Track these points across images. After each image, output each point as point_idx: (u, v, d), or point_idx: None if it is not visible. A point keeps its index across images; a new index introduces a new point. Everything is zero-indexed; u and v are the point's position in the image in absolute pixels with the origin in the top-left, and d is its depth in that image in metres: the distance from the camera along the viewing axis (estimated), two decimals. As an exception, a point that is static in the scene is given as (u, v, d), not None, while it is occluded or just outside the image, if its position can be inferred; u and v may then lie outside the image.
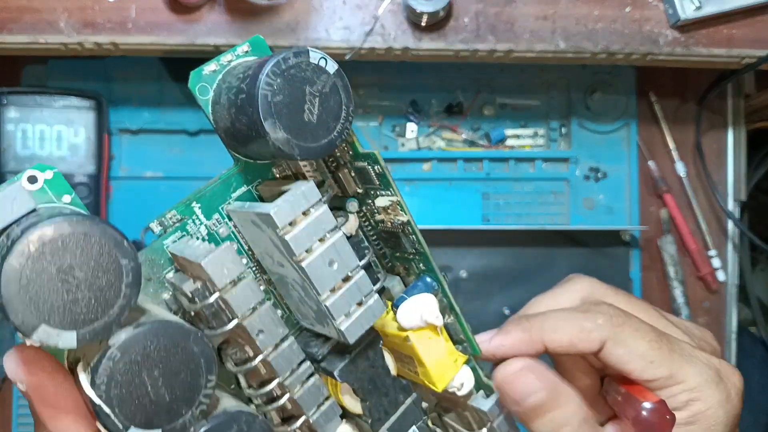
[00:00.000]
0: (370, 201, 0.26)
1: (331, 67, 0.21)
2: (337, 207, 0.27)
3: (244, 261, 0.25)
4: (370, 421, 0.26)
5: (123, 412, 0.18)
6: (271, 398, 0.23)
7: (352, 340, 0.23)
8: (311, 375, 0.23)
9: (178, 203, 0.24)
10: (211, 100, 0.23)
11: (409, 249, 0.27)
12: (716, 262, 0.65)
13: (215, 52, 0.52)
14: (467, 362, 0.28)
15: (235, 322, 0.21)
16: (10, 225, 0.18)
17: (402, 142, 0.65)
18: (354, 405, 0.26)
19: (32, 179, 0.21)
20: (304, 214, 0.21)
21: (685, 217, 0.65)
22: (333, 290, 0.22)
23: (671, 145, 0.66)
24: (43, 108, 0.60)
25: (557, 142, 0.66)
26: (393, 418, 0.26)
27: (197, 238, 0.24)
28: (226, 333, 0.21)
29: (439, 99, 0.66)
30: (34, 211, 0.19)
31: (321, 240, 0.22)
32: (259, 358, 0.22)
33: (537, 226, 0.64)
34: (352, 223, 0.26)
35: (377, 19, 0.52)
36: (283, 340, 0.22)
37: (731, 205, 0.65)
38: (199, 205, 0.24)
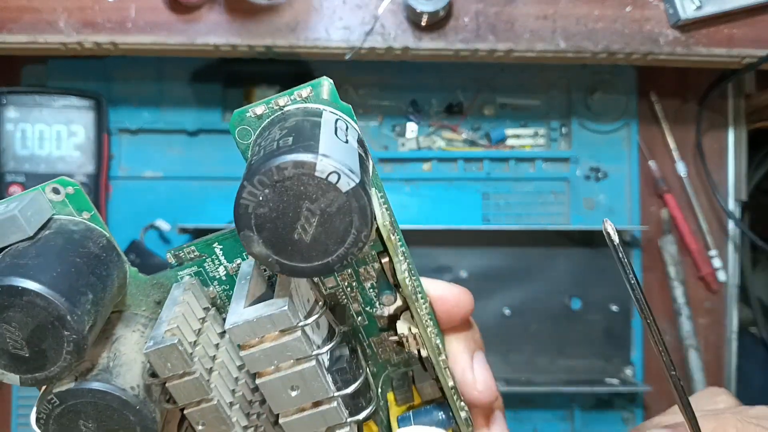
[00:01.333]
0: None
1: (346, 184, 0.17)
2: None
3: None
4: None
5: None
6: None
7: None
8: None
9: (199, 241, 0.23)
10: (252, 145, 0.20)
11: (432, 376, 0.24)
12: (717, 262, 0.65)
13: (215, 51, 0.52)
14: None
15: (174, 406, 0.21)
16: (6, 248, 0.19)
17: (402, 142, 0.65)
18: None
19: (55, 191, 0.21)
20: (281, 332, 0.19)
21: (685, 217, 0.65)
22: (294, 412, 0.21)
23: (672, 144, 0.66)
24: (42, 108, 0.60)
25: (557, 141, 0.66)
26: None
27: (213, 279, 0.24)
28: (166, 411, 0.21)
29: (439, 99, 0.66)
30: (32, 237, 0.20)
31: (293, 362, 0.20)
32: None
33: (537, 226, 0.64)
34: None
35: (377, 19, 0.52)
36: None
37: (732, 205, 0.65)
38: (221, 246, 0.23)
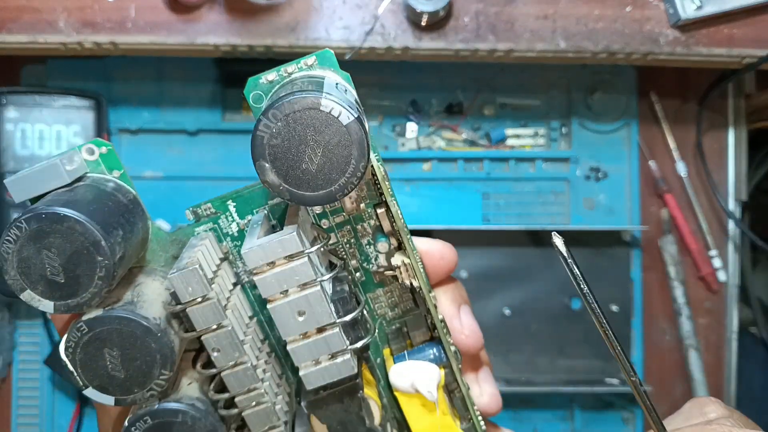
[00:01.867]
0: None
1: (346, 118, 0.20)
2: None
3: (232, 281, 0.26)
4: None
5: (84, 374, 0.21)
6: (226, 406, 0.24)
7: (308, 386, 0.23)
8: (264, 402, 0.24)
9: (215, 197, 0.25)
10: (262, 109, 0.23)
11: (423, 311, 0.26)
12: (717, 262, 0.65)
13: (215, 51, 0.52)
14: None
15: (192, 334, 0.22)
16: (48, 193, 0.21)
17: (402, 142, 0.65)
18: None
19: (90, 151, 0.23)
20: (287, 258, 0.21)
21: (685, 217, 0.65)
22: (301, 337, 0.22)
23: (672, 144, 0.66)
24: (42, 108, 0.60)
25: (558, 141, 0.66)
26: None
27: (226, 234, 0.26)
28: (185, 341, 0.23)
29: (439, 99, 0.66)
30: (70, 185, 0.22)
31: (298, 287, 0.22)
32: (213, 371, 0.23)
33: (537, 226, 0.64)
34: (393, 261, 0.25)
35: (377, 19, 0.52)
36: (238, 363, 0.23)
37: (732, 205, 0.65)
38: (234, 204, 0.25)
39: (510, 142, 0.66)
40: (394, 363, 0.26)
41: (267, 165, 0.20)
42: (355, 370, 0.23)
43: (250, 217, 0.25)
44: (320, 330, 0.22)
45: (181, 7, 0.51)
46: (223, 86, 0.64)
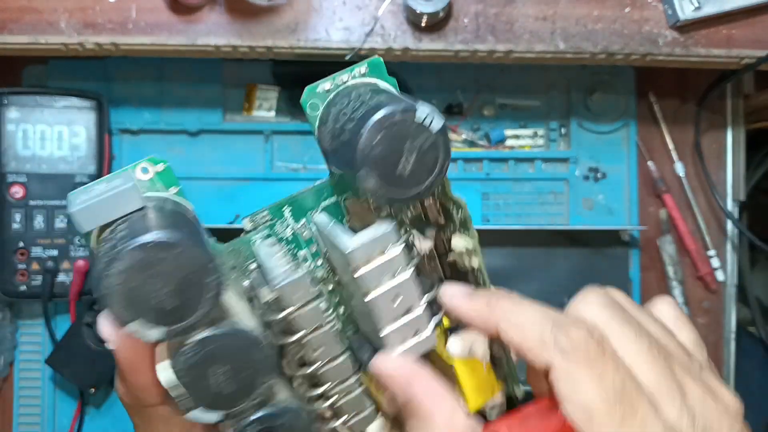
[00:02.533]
0: (444, 236, 0.27)
1: (436, 125, 0.22)
2: (417, 228, 0.28)
3: (319, 263, 0.27)
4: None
5: (193, 394, 0.22)
6: (318, 399, 0.26)
7: None
8: (356, 389, 0.25)
9: (271, 205, 0.27)
10: (319, 117, 0.24)
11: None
12: (715, 262, 0.65)
13: (216, 52, 0.52)
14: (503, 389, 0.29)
15: (298, 336, 0.24)
16: (118, 220, 0.21)
17: (402, 143, 0.65)
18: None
19: (144, 170, 0.24)
20: (381, 252, 0.23)
21: (684, 217, 0.66)
22: (394, 321, 0.24)
23: (670, 145, 0.66)
24: (43, 108, 0.60)
25: (557, 142, 0.66)
26: None
27: (281, 239, 0.27)
28: (289, 344, 0.24)
29: (438, 99, 0.66)
30: (142, 209, 0.22)
31: (390, 275, 0.23)
32: (314, 367, 0.24)
33: (537, 226, 0.64)
34: (426, 246, 0.27)
35: (377, 20, 0.52)
36: (336, 357, 0.24)
37: (730, 205, 0.66)
38: (290, 208, 0.26)
39: (509, 142, 0.66)
40: (448, 332, 0.27)
41: (370, 172, 0.22)
42: (435, 343, 0.24)
43: (303, 220, 0.27)
44: (407, 311, 0.24)
45: (182, 8, 0.51)
46: (223, 87, 0.64)
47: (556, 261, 0.64)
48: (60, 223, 0.60)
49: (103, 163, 0.62)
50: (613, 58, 0.53)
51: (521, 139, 0.66)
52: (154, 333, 0.20)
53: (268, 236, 0.27)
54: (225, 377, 0.22)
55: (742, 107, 0.66)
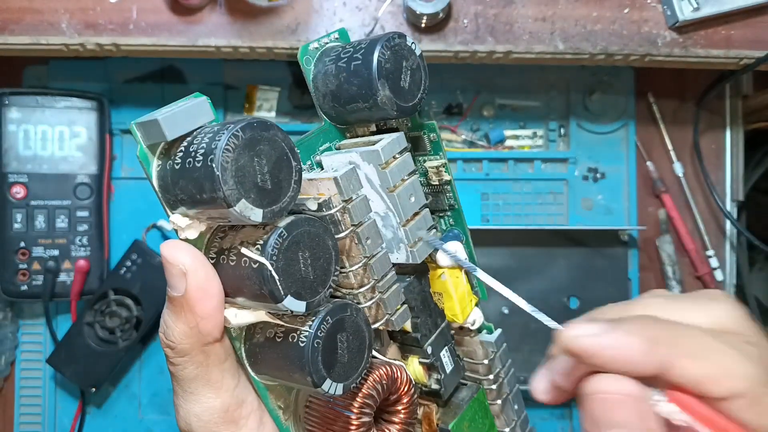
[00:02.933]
0: (418, 164, 0.32)
1: (418, 50, 0.28)
2: None
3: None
4: (419, 336, 0.30)
5: (284, 281, 0.22)
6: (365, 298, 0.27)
7: (419, 259, 0.28)
8: (395, 282, 0.27)
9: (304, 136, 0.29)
10: (312, 71, 0.29)
11: (446, 205, 0.33)
12: (714, 262, 0.65)
13: (216, 53, 0.53)
14: (477, 304, 0.33)
15: (351, 228, 0.25)
16: (197, 129, 0.23)
17: (402, 143, 0.66)
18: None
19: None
20: (394, 157, 0.27)
21: (683, 217, 0.66)
22: (408, 221, 0.28)
23: (669, 145, 0.66)
24: (44, 109, 0.60)
25: (556, 142, 0.66)
26: (433, 337, 0.31)
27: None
28: (344, 236, 0.25)
29: (438, 100, 0.66)
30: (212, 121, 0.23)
31: (403, 180, 0.27)
32: (362, 262, 0.26)
33: (536, 226, 0.64)
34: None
35: (377, 21, 0.52)
36: (380, 249, 0.26)
37: (729, 205, 0.66)
38: (298, 150, 0.27)
39: (509, 142, 0.66)
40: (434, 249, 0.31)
41: (385, 83, 0.26)
42: (441, 241, 0.29)
43: (309, 162, 0.29)
44: (415, 214, 0.28)
45: (183, 8, 0.51)
46: (224, 87, 0.65)
47: (556, 261, 0.65)
48: (61, 223, 0.60)
49: (104, 163, 0.62)
50: (612, 59, 0.53)
51: (521, 139, 0.66)
52: (256, 214, 0.21)
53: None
54: (309, 263, 0.23)
55: (741, 107, 0.66)
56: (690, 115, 0.66)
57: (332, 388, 0.24)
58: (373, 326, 0.26)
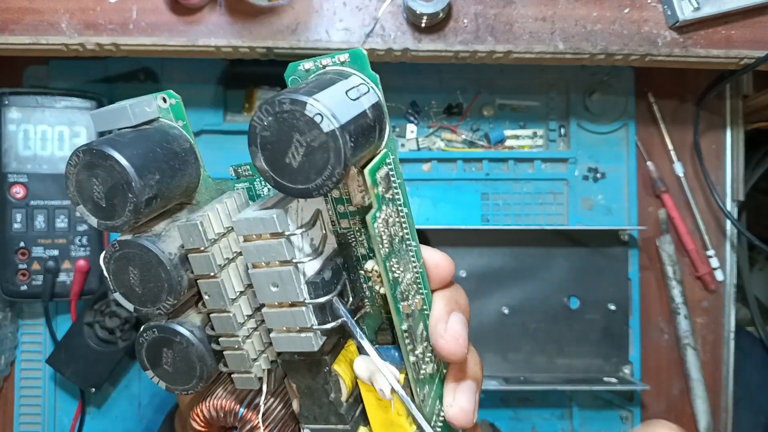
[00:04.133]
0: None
1: (327, 126, 0.21)
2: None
3: None
4: (299, 413, 0.28)
5: (114, 281, 0.25)
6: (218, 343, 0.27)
7: (276, 348, 0.26)
8: (238, 349, 0.27)
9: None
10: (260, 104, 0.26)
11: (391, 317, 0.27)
12: (714, 262, 0.65)
13: (216, 53, 0.53)
14: None
15: (194, 276, 0.26)
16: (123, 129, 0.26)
17: (402, 143, 0.66)
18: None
19: (163, 99, 0.28)
20: (272, 235, 0.23)
21: (683, 217, 0.66)
22: (277, 305, 0.24)
23: (670, 145, 0.66)
24: (44, 108, 0.60)
25: (556, 142, 0.66)
26: (318, 427, 0.28)
27: (259, 195, 0.30)
28: (192, 280, 0.26)
29: (438, 100, 0.66)
30: (135, 126, 0.26)
31: (278, 262, 0.24)
32: (203, 310, 0.27)
33: (536, 226, 0.64)
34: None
35: (377, 21, 0.52)
36: (222, 311, 0.26)
37: (729, 205, 0.66)
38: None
39: (509, 142, 0.66)
40: (359, 355, 0.27)
41: (258, 152, 0.22)
42: (315, 348, 0.25)
43: None
44: (292, 305, 0.24)
45: (183, 8, 0.51)
46: (224, 88, 0.64)
47: (556, 261, 0.65)
48: (61, 223, 0.60)
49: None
50: (612, 59, 0.53)
51: (521, 139, 0.66)
52: (92, 220, 0.25)
53: (248, 189, 0.30)
54: (136, 279, 0.25)
55: (741, 107, 0.66)
56: (690, 115, 0.66)
57: (156, 380, 0.27)
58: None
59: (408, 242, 0.27)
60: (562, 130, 0.66)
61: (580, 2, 0.52)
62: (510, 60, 0.53)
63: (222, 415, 0.29)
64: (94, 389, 0.62)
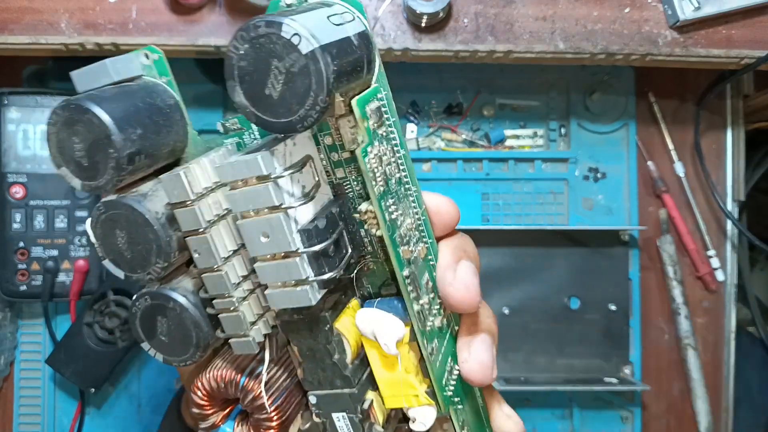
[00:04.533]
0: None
1: (306, 46, 0.19)
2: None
3: None
4: (303, 379, 0.27)
5: (102, 247, 0.24)
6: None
7: (272, 306, 0.24)
8: (234, 311, 0.25)
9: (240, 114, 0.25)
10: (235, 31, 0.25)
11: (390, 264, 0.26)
12: (715, 262, 0.65)
13: (216, 53, 0.52)
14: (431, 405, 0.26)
15: (182, 234, 0.24)
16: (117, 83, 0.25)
17: (402, 143, 0.65)
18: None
19: (146, 55, 0.27)
20: (258, 179, 0.21)
21: (683, 217, 0.66)
22: (270, 257, 0.22)
23: (670, 145, 0.66)
24: (44, 108, 0.60)
25: (556, 142, 0.66)
26: (323, 392, 0.26)
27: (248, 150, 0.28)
28: (181, 239, 0.24)
29: (438, 99, 0.66)
30: (115, 83, 0.25)
31: (267, 210, 0.22)
32: (193, 270, 0.25)
33: (536, 226, 0.64)
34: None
35: (377, 20, 0.52)
36: (214, 269, 0.24)
37: (730, 205, 0.66)
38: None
39: (509, 142, 0.66)
40: (362, 308, 0.26)
41: (236, 86, 0.20)
42: (313, 302, 0.23)
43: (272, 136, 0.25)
44: (285, 255, 0.22)
45: (182, 8, 0.51)
46: (224, 87, 0.64)
47: (556, 261, 0.64)
48: (60, 223, 0.60)
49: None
50: (612, 58, 0.53)
51: (521, 139, 0.66)
52: (75, 183, 0.23)
53: (237, 144, 0.28)
54: (125, 241, 0.24)
55: (742, 107, 0.66)
56: (691, 115, 0.66)
57: (152, 352, 0.26)
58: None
59: (407, 186, 0.25)
60: (563, 130, 0.66)
61: (581, 2, 0.52)
62: (510, 60, 0.53)
63: (223, 386, 0.27)
64: (93, 389, 0.62)
